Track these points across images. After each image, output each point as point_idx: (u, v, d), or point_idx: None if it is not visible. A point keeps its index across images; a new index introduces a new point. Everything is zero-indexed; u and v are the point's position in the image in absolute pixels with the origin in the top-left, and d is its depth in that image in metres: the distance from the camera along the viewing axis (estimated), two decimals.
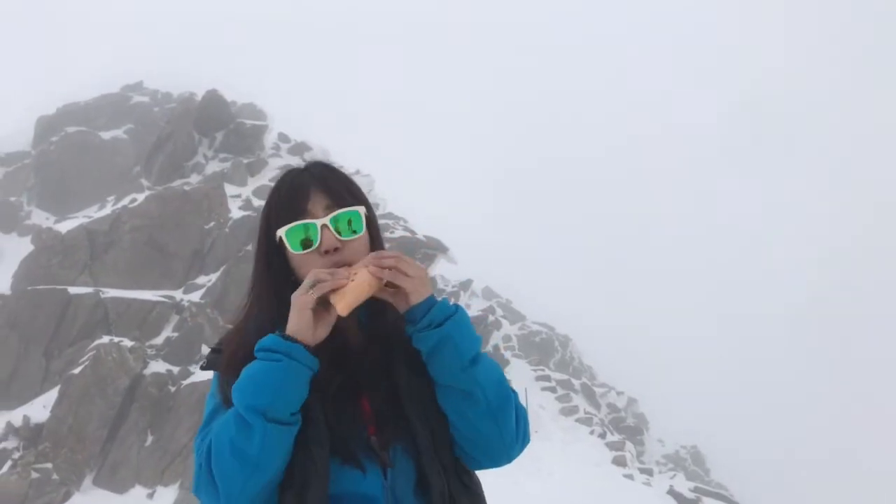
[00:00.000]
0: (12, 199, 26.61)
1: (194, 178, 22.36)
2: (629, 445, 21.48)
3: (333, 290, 1.50)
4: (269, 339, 1.47)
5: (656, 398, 39.05)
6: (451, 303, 1.63)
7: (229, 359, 1.56)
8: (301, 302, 1.49)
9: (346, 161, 28.65)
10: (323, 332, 1.51)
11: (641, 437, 29.24)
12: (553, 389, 25.65)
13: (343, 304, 1.50)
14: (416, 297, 1.57)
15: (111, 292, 17.87)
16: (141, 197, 20.71)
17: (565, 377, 28.46)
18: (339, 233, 1.61)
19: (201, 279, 19.09)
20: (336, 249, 1.60)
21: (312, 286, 1.49)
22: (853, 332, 63.23)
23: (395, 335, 1.64)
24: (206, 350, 16.81)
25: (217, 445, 1.43)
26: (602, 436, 21.48)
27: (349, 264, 1.58)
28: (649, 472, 19.62)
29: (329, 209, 1.63)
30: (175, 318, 17.75)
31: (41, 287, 17.98)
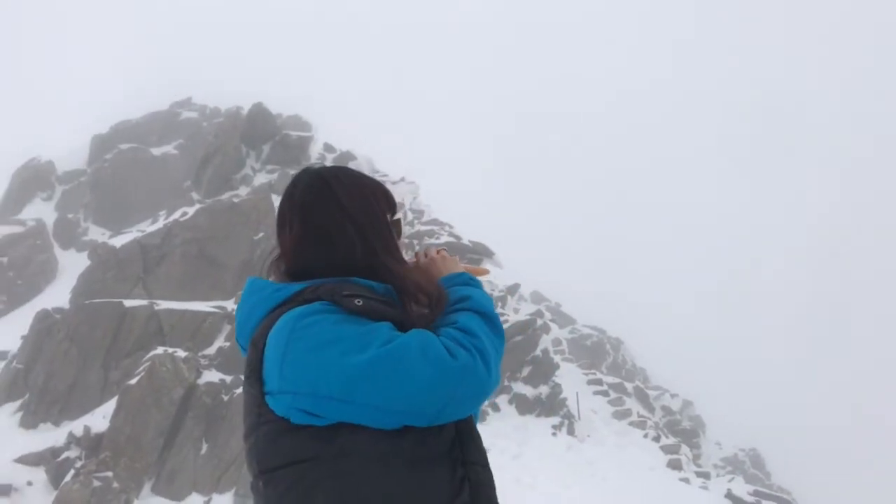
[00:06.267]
0: (70, 216, 27.47)
1: (243, 190, 22.76)
2: (685, 448, 21.07)
3: None
4: (468, 276, 1.81)
5: (714, 400, 38.27)
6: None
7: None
8: (456, 263, 1.88)
9: (390, 169, 28.88)
10: None
11: (698, 440, 28.64)
12: (605, 393, 25.30)
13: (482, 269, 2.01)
14: None
15: (164, 304, 18.25)
16: (191, 210, 21.14)
17: (618, 380, 28.05)
18: None
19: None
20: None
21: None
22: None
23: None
24: None
25: (483, 336, 1.55)
26: (656, 439, 21.07)
27: None
28: (706, 476, 19.19)
29: None
30: (227, 328, 18.05)
31: (98, 301, 18.46)
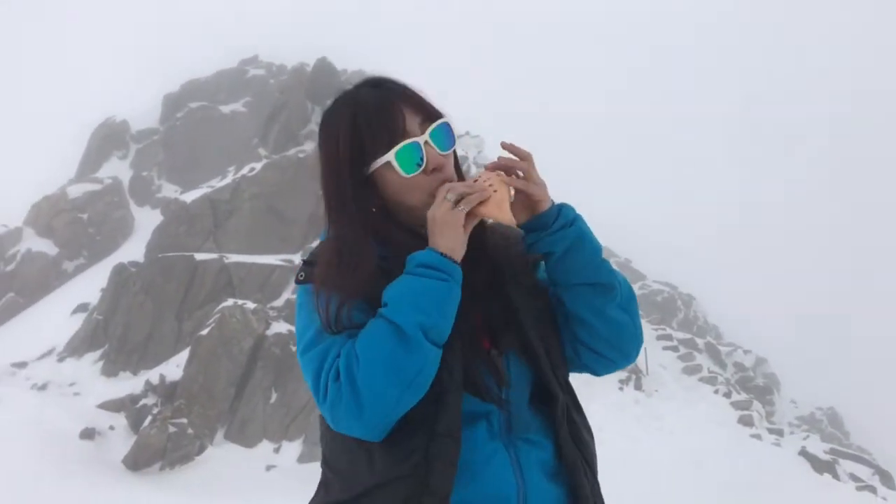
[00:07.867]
0: (144, 173, 28.29)
1: (308, 146, 22.91)
2: (756, 405, 20.47)
3: (480, 203, 1.43)
4: (428, 256, 1.37)
5: (793, 358, 37.24)
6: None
7: (345, 275, 1.45)
8: (454, 219, 1.39)
9: (455, 120, 28.58)
10: (464, 248, 1.42)
11: (771, 398, 27.86)
12: (675, 349, 24.78)
13: (507, 216, 1.44)
14: (546, 204, 1.51)
15: (234, 257, 18.66)
16: (259, 166, 21.44)
17: (688, 336, 27.43)
18: (439, 148, 1.49)
19: (318, 242, 19.61)
20: (441, 167, 1.49)
21: (456, 200, 1.40)
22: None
23: (497, 253, 1.59)
24: None
25: (368, 360, 1.31)
26: (727, 395, 20.55)
27: (450, 181, 1.48)
28: (779, 433, 18.63)
29: (424, 125, 1.49)
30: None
31: (171, 254, 19.00)
